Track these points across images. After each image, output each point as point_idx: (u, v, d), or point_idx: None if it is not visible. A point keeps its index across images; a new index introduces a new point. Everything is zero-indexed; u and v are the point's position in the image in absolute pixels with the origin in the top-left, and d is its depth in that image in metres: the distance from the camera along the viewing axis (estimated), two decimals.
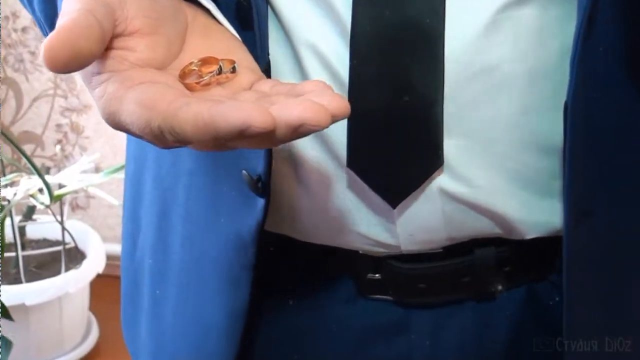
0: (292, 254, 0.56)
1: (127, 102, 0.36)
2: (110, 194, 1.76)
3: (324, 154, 0.50)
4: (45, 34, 0.54)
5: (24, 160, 1.59)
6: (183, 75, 0.40)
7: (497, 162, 0.48)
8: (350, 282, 0.56)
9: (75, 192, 1.83)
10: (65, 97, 2.08)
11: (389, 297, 0.55)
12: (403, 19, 0.45)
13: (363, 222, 0.51)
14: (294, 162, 0.51)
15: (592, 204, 0.48)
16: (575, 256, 0.49)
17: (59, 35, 0.34)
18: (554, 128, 0.47)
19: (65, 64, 0.34)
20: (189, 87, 0.40)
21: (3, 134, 1.70)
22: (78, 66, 0.35)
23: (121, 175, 1.59)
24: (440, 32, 0.45)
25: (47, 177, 1.62)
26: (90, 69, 0.38)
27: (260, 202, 0.51)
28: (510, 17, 0.45)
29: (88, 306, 1.85)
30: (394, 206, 0.49)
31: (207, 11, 0.44)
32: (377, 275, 0.54)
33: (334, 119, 0.35)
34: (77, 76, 1.93)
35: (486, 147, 0.48)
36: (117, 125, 0.37)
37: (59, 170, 2.01)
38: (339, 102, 0.36)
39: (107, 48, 0.38)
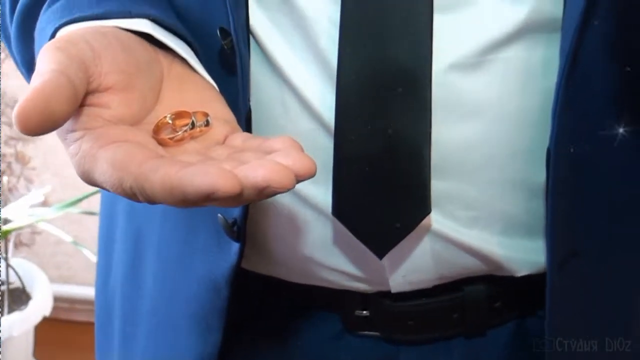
0: (274, 290, 0.60)
1: (100, 161, 0.40)
2: (61, 229, 1.77)
3: (306, 199, 0.53)
4: (23, 75, 0.57)
5: None
6: (157, 130, 0.44)
7: (484, 202, 0.53)
8: (336, 318, 0.60)
9: (20, 227, 1.83)
10: (10, 125, 2.08)
11: (376, 333, 0.59)
12: (389, 62, 0.49)
13: (350, 264, 0.55)
14: (274, 205, 0.54)
15: (577, 244, 0.53)
16: (560, 295, 0.53)
17: (31, 99, 0.37)
18: (541, 169, 0.51)
19: (38, 127, 0.38)
20: (163, 143, 0.43)
21: None
22: (51, 128, 0.38)
23: (75, 209, 1.60)
24: (427, 74, 0.49)
25: None
26: (65, 126, 0.41)
27: (235, 246, 0.54)
28: (497, 59, 0.50)
29: (32, 352, 1.85)
30: (380, 257, 0.52)
31: (184, 59, 0.48)
32: (364, 312, 0.58)
33: (299, 180, 0.39)
34: None
35: (474, 188, 0.52)
36: (91, 182, 0.41)
37: (1, 204, 2.01)
38: (305, 163, 0.39)
39: (81, 105, 0.42)
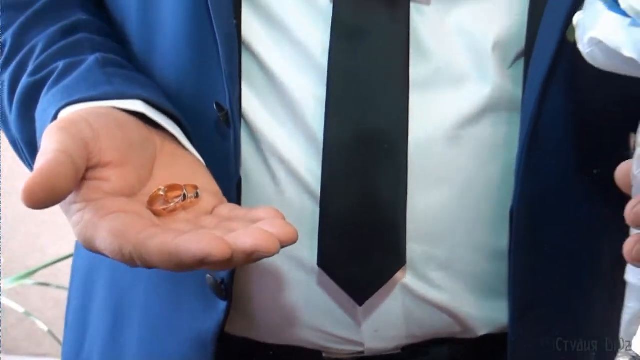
0: (253, 352, 0.63)
1: (101, 230, 0.44)
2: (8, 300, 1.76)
3: (293, 257, 0.58)
4: (20, 153, 0.61)
5: None
6: (151, 201, 0.48)
7: (454, 264, 0.58)
8: None
9: None
10: None
11: None
12: (370, 135, 0.54)
13: (329, 319, 0.59)
14: (262, 265, 0.58)
15: (536, 297, 0.58)
16: (519, 348, 0.59)
17: (36, 177, 0.42)
18: (503, 233, 0.57)
19: (43, 202, 0.42)
20: (157, 213, 0.48)
21: None
22: (54, 202, 0.43)
23: (29, 281, 1.59)
24: (404, 146, 0.54)
25: None
26: (68, 198, 0.46)
27: (222, 304, 0.58)
28: (468, 134, 0.56)
29: None
30: (360, 303, 0.57)
31: (175, 136, 0.53)
32: None
33: (283, 245, 0.44)
34: None
35: (445, 251, 0.57)
36: (92, 249, 0.45)
37: None
38: (288, 230, 0.45)
39: (83, 178, 0.46)
